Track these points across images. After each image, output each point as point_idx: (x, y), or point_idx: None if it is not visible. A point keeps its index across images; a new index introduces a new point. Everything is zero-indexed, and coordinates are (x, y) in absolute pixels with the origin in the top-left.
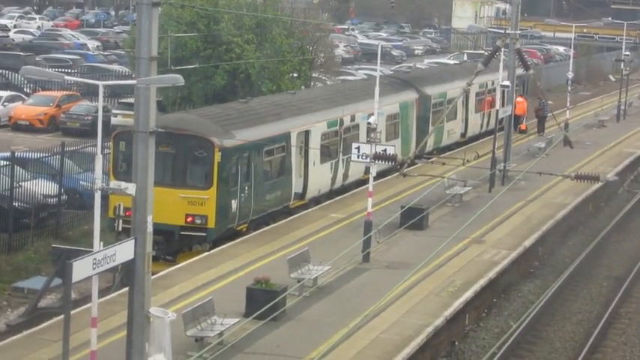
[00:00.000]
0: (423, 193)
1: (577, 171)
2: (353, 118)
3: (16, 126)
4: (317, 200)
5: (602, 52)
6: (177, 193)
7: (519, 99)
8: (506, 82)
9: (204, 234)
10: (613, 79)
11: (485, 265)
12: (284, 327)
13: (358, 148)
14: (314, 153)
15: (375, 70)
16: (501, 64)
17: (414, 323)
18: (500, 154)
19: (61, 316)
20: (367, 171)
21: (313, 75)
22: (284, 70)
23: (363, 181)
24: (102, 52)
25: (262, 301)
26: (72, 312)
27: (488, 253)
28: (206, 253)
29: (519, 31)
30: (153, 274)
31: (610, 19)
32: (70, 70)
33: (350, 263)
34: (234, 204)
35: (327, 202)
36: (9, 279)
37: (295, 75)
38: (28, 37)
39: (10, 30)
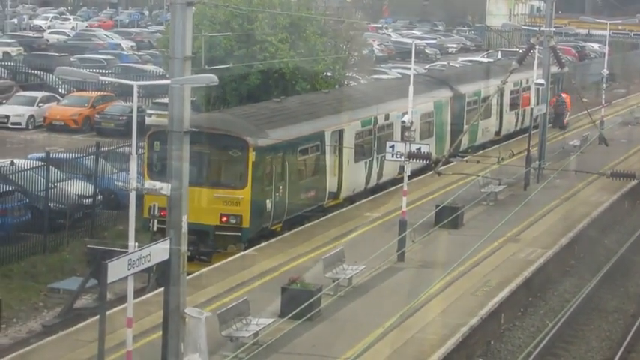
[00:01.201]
0: (458, 191)
1: (612, 169)
2: (387, 117)
3: (50, 126)
4: (351, 199)
5: (638, 49)
6: (212, 193)
7: (562, 95)
8: (541, 80)
9: (238, 234)
10: None
11: (520, 263)
12: (319, 327)
13: (393, 146)
14: (348, 152)
15: (409, 68)
16: (536, 62)
17: (449, 322)
18: (535, 152)
19: (97, 317)
20: (402, 170)
21: (347, 74)
22: (318, 69)
23: (398, 180)
24: (136, 53)
25: (297, 300)
26: (107, 312)
27: (524, 252)
28: (241, 253)
29: (554, 29)
30: (188, 274)
31: None
32: (104, 71)
33: (385, 262)
34: (268, 203)
35: (361, 202)
36: (45, 279)
37: (329, 74)
38: (63, 37)
39: (44, 31)
